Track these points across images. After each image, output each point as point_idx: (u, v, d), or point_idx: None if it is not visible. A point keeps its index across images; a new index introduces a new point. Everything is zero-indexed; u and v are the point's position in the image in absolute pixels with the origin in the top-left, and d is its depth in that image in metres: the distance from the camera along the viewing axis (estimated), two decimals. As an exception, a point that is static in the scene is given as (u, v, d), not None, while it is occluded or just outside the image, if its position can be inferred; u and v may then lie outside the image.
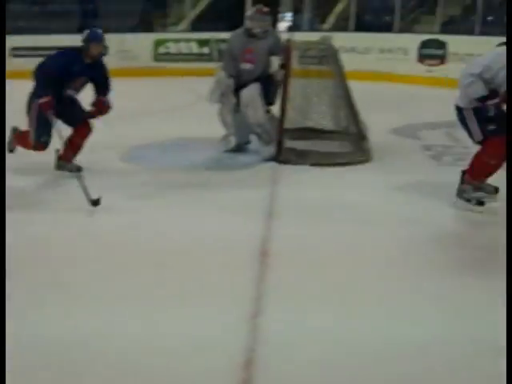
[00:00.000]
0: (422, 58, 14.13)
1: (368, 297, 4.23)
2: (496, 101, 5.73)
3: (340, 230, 5.45)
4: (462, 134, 8.88)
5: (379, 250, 5.06)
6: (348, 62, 8.56)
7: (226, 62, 7.76)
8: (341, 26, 15.84)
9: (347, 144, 7.94)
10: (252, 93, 7.53)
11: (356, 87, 8.27)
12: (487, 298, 4.25)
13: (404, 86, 13.00)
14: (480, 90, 5.73)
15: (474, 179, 5.95)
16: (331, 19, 16.95)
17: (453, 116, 9.99)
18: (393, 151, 8.05)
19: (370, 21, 15.99)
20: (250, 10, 8.27)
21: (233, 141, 7.90)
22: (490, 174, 5.91)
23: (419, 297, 4.24)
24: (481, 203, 5.93)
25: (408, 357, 3.56)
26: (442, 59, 13.87)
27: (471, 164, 6.00)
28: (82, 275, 4.49)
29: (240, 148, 7.89)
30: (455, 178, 6.20)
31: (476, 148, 6.02)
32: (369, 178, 7.02)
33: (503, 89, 5.61)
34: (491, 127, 5.79)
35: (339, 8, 16.90)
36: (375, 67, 13.85)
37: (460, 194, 6.01)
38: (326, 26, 16.65)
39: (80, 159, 6.79)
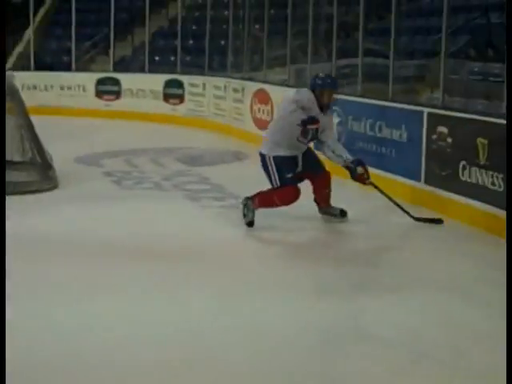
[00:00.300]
0: (100, 93, 14.23)
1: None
2: (315, 126, 6.04)
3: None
4: (139, 160, 9.32)
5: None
6: (30, 98, 8.58)
7: None
8: (22, 66, 15.54)
9: (34, 174, 7.87)
10: None
11: (40, 121, 8.27)
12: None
13: (85, 120, 13.04)
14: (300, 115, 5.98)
15: (258, 206, 6.10)
16: (12, 59, 16.59)
17: (131, 144, 10.33)
18: (78, 178, 8.09)
19: (49, 61, 15.84)
20: None
21: None
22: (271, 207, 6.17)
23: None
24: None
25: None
26: (117, 94, 14.11)
27: (261, 194, 6.15)
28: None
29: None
30: (138, 199, 6.48)
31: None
32: (56, 204, 7.05)
33: None
34: (288, 175, 6.04)
35: (20, 48, 16.59)
36: (57, 103, 13.77)
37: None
38: (8, 65, 16.27)
39: None
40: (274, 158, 6.05)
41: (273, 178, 6.06)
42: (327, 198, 6.34)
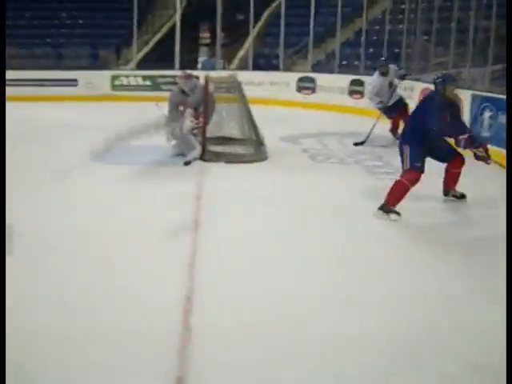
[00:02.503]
0: (300, 89, 14.32)
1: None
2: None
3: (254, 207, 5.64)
4: (328, 141, 9.34)
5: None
6: (248, 91, 8.75)
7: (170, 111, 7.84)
8: (243, 66, 15.98)
9: (250, 148, 8.09)
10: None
11: (255, 109, 8.48)
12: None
13: (288, 109, 13.14)
14: None
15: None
16: (236, 61, 17.11)
17: (321, 128, 10.39)
18: (282, 153, 8.22)
19: (263, 63, 16.17)
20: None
21: (177, 150, 7.90)
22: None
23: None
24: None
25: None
26: (313, 90, 14.15)
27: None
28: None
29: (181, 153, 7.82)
30: (326, 171, 6.51)
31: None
32: (267, 171, 7.23)
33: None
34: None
35: (240, 54, 17.06)
36: (267, 95, 14.03)
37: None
38: (233, 66, 16.79)
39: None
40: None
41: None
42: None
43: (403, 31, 12.83)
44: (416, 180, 5.31)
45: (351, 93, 13.27)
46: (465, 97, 8.87)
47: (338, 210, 5.50)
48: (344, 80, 13.45)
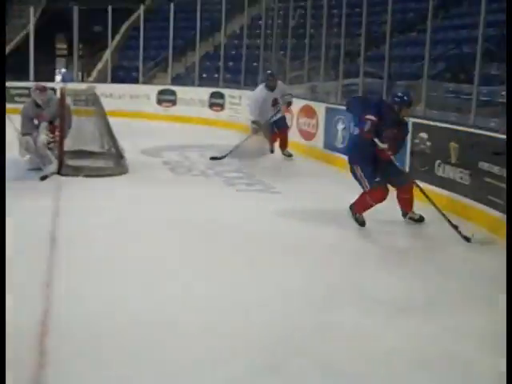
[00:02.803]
0: (160, 101, 14.30)
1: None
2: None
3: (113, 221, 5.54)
4: (189, 153, 9.35)
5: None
6: (108, 104, 8.59)
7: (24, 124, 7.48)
8: (102, 79, 15.64)
9: (110, 161, 7.93)
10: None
11: (114, 122, 8.32)
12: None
13: (149, 122, 13.02)
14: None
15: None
16: (94, 74, 16.72)
17: (183, 141, 10.37)
18: (143, 166, 8.11)
19: (122, 75, 15.92)
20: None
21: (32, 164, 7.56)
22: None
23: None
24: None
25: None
26: (173, 102, 14.15)
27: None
28: None
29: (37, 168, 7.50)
30: (187, 184, 6.49)
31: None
32: (127, 184, 7.11)
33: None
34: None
35: (99, 66, 16.71)
36: (128, 108, 13.85)
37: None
38: (91, 78, 16.40)
39: None
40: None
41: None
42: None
43: (260, 46, 13.17)
44: (382, 197, 5.19)
45: (211, 105, 13.42)
46: (319, 110, 9.28)
47: (198, 222, 5.49)
48: (204, 93, 13.58)
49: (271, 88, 8.70)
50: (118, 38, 16.91)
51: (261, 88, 8.74)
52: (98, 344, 3.13)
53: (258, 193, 6.78)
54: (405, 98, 5.35)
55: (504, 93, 7.08)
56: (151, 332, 3.28)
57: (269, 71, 9.56)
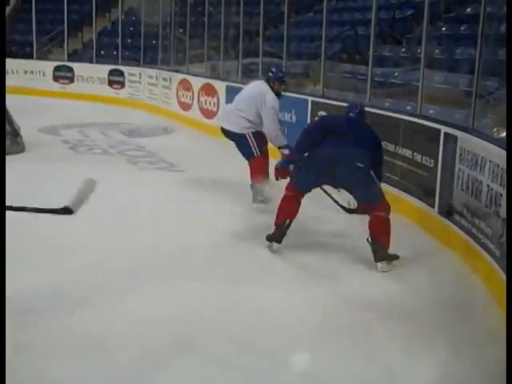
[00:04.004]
0: (57, 78, 13.72)
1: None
2: None
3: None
4: (90, 132, 9.08)
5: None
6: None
7: None
8: (-8, 53, 14.77)
9: (5, 140, 7.54)
10: None
11: (8, 99, 7.85)
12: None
13: (45, 99, 12.48)
14: None
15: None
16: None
17: (82, 119, 10.04)
18: (41, 145, 7.82)
19: (15, 50, 15.11)
20: None
21: None
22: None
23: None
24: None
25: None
26: (70, 79, 13.64)
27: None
28: None
29: None
30: (87, 160, 6.27)
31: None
32: (25, 163, 6.77)
33: None
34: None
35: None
36: (22, 84, 13.20)
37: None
38: (-20, 52, 15.46)
39: None
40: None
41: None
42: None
43: (159, 23, 12.92)
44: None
45: (111, 83, 13.05)
46: (220, 88, 9.25)
47: (105, 198, 5.37)
48: (103, 70, 13.17)
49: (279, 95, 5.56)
50: (7, 10, 16.00)
51: (274, 97, 5.42)
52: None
53: (160, 171, 6.69)
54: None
55: (397, 74, 7.37)
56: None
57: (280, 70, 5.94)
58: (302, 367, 2.77)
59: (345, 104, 6.37)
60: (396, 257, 4.05)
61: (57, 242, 4.28)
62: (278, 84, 5.41)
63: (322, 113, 6.59)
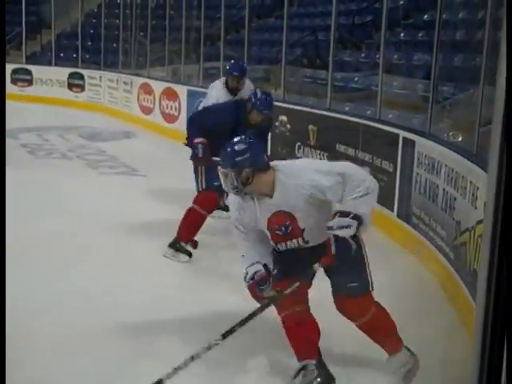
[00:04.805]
0: (15, 81, 13.47)
1: None
2: None
3: None
4: (48, 135, 8.96)
5: None
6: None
7: None
8: None
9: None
10: None
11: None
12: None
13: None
14: None
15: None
16: None
17: (41, 123, 9.92)
18: (-2, 149, 7.69)
19: (-29, 52, 14.85)
20: None
21: None
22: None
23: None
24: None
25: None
26: (29, 82, 13.43)
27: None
28: None
29: None
30: (46, 165, 6.20)
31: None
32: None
33: None
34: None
35: None
36: (-20, 88, 12.95)
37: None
38: None
39: None
40: None
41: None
42: None
43: (119, 26, 12.84)
44: (212, 203, 4.23)
45: (71, 86, 12.90)
46: (181, 92, 9.23)
47: (59, 205, 5.32)
48: (62, 73, 13.01)
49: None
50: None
51: (211, 91, 5.41)
52: None
53: (121, 175, 6.64)
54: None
55: (357, 79, 7.47)
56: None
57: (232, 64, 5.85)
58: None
59: (305, 109, 6.51)
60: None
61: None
62: (230, 79, 5.10)
63: (283, 118, 6.64)
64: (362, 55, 8.16)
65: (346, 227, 2.44)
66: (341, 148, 5.59)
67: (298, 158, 6.29)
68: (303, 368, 2.69)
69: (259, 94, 4.24)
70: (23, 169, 6.69)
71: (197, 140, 4.13)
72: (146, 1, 11.98)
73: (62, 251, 4.21)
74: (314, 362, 2.70)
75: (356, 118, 5.65)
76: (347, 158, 5.46)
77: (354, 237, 2.51)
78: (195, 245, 4.18)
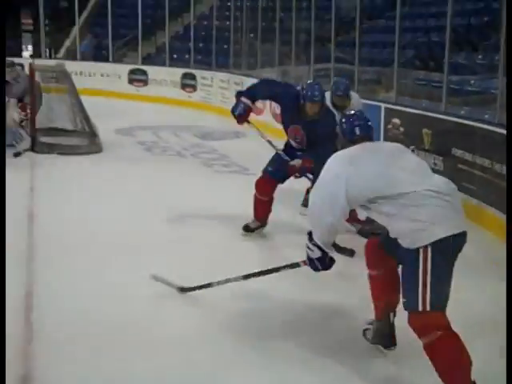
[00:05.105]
0: (132, 81, 14.06)
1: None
2: None
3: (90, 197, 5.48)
4: (163, 134, 9.31)
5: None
6: (77, 82, 8.44)
7: None
8: (71, 56, 15.33)
9: (84, 139, 7.83)
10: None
11: (86, 100, 8.20)
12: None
13: (121, 101, 12.78)
14: None
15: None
16: (63, 50, 16.38)
17: (156, 121, 10.33)
18: (118, 145, 8.05)
19: (92, 53, 15.64)
20: None
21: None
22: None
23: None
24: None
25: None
26: (145, 82, 13.97)
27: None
28: None
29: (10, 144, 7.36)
30: (163, 162, 6.40)
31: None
32: (102, 163, 7.05)
33: None
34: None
35: (67, 43, 16.36)
36: (99, 86, 13.60)
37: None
38: (59, 55, 16.06)
39: None
40: None
41: None
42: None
43: (230, 28, 13.10)
44: (265, 187, 4.56)
45: (184, 86, 13.31)
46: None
47: (177, 201, 5.44)
48: (176, 73, 13.44)
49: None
50: (85, 14, 16.56)
51: None
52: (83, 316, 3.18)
53: (234, 174, 6.76)
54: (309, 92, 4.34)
55: (473, 82, 7.24)
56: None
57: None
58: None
59: (419, 111, 6.37)
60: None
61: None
62: (335, 98, 5.09)
63: (396, 120, 6.55)
64: (479, 57, 7.91)
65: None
66: (457, 152, 5.45)
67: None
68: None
69: (306, 86, 4.37)
70: (141, 165, 7.02)
71: (244, 100, 4.42)
72: (256, 3, 12.18)
73: (180, 248, 4.30)
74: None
75: (473, 121, 5.48)
76: (464, 162, 5.31)
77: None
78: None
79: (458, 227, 2.54)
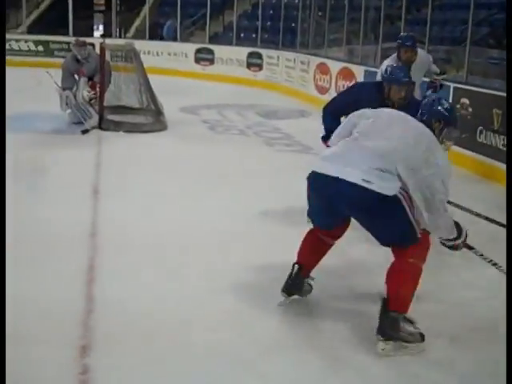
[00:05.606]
0: (198, 60, 14.19)
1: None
2: None
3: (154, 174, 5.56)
4: (227, 112, 9.35)
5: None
6: (145, 61, 8.55)
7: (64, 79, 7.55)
8: (140, 36, 15.56)
9: (149, 117, 7.94)
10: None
11: (153, 79, 8.30)
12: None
13: (187, 80, 12.89)
14: None
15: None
16: (132, 30, 16.63)
17: (221, 100, 10.37)
18: (182, 123, 8.12)
19: (160, 32, 15.83)
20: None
21: (73, 118, 7.61)
22: None
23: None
24: None
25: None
26: (211, 61, 14.06)
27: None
28: None
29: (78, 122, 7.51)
30: (225, 140, 6.43)
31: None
32: (167, 140, 7.13)
33: None
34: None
35: (137, 23, 16.59)
36: (166, 65, 13.79)
37: None
38: (129, 35, 16.33)
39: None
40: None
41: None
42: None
43: (298, 6, 12.96)
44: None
45: (249, 65, 13.30)
46: (358, 73, 9.15)
47: (237, 179, 5.46)
48: (242, 52, 13.45)
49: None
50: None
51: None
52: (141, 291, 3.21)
53: (296, 153, 6.74)
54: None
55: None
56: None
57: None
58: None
59: (490, 91, 6.14)
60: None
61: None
62: (402, 51, 4.98)
63: (465, 100, 6.34)
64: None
65: None
66: (528, 134, 5.23)
67: (479, 142, 6.02)
68: None
69: (389, 69, 3.98)
70: (204, 143, 7.07)
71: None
72: (325, -20, 11.99)
73: (239, 224, 4.31)
74: None
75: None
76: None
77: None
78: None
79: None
